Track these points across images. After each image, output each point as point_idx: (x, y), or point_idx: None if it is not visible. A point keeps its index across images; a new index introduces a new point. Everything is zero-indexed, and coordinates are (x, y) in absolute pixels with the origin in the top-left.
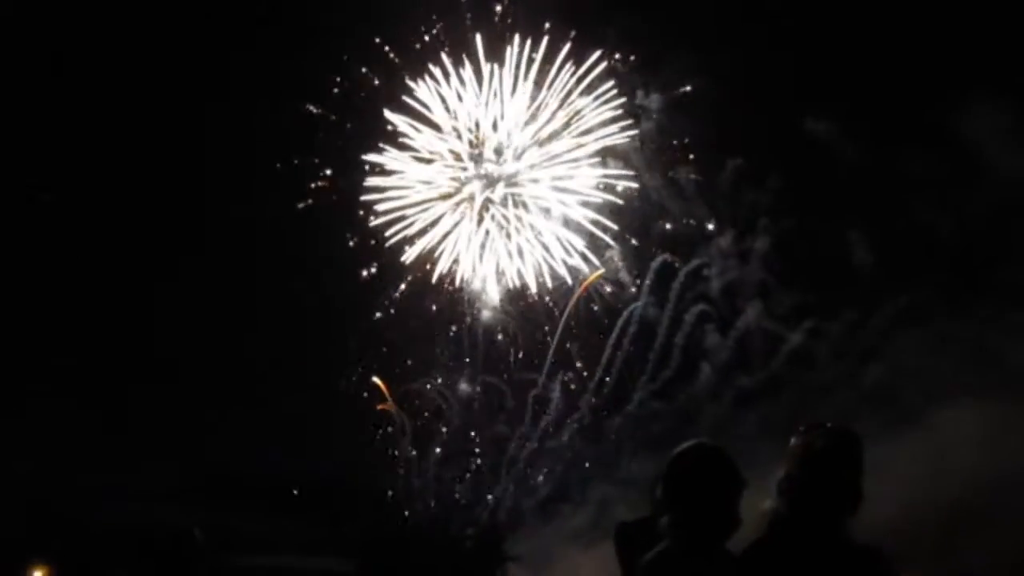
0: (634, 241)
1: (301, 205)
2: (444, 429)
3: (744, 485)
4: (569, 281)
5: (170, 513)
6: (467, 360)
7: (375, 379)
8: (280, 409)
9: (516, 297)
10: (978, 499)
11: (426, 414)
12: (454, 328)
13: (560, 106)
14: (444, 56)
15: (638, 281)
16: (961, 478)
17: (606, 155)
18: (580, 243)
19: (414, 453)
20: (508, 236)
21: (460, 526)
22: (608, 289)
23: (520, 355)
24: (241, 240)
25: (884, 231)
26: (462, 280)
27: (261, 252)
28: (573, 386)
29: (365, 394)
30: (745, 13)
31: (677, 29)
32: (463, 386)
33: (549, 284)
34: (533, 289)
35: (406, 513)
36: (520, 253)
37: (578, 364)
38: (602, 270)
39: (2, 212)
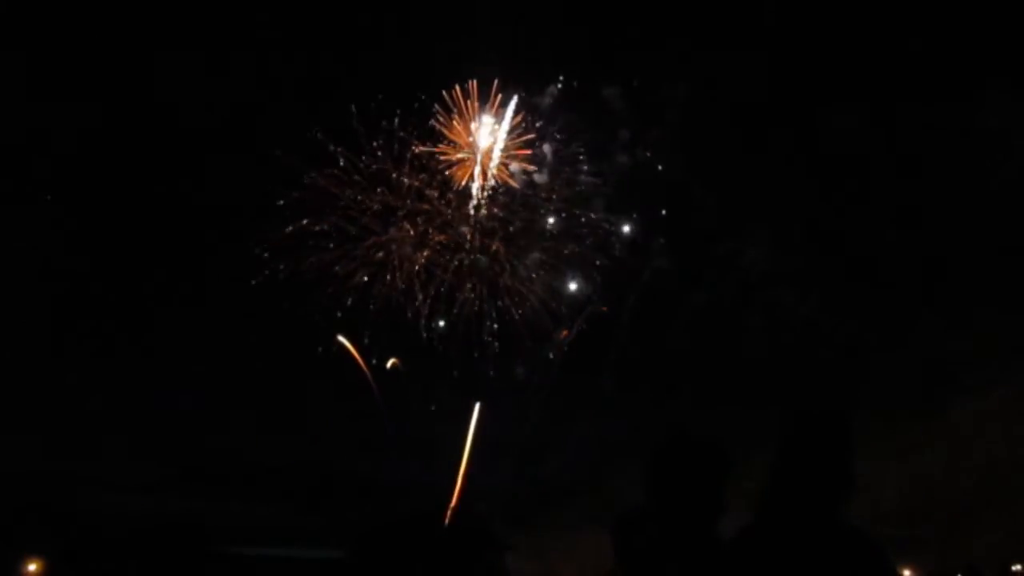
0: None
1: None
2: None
3: (729, 470)
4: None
5: (164, 502)
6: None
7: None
8: (273, 396)
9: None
10: (994, 489)
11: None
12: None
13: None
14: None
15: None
16: (979, 468)
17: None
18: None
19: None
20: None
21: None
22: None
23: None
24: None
25: (915, 223)
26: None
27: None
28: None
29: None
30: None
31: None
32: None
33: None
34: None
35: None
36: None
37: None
38: None
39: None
